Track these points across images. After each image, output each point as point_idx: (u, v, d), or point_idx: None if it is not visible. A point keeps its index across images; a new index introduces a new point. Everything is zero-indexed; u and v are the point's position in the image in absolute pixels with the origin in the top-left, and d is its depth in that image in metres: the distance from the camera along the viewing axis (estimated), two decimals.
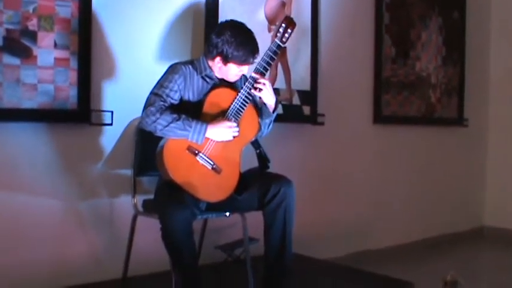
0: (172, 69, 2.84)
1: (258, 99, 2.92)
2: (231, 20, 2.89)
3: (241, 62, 2.81)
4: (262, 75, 2.82)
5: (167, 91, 2.76)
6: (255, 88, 2.82)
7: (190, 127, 2.68)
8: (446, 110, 5.11)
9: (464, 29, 5.24)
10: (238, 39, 2.77)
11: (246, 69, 2.87)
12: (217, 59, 2.81)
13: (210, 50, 2.83)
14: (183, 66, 2.85)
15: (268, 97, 2.88)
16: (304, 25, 3.93)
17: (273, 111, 2.93)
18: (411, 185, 4.85)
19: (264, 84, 2.83)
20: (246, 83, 2.83)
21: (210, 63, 2.87)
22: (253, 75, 2.82)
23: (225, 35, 2.77)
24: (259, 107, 2.94)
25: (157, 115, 2.67)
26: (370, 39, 4.48)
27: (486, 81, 5.54)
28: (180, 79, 2.81)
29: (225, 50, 2.77)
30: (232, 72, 2.85)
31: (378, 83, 4.51)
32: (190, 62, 2.91)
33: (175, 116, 2.68)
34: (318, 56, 4.04)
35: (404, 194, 4.79)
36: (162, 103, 2.72)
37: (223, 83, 2.90)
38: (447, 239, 5.10)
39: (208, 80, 2.88)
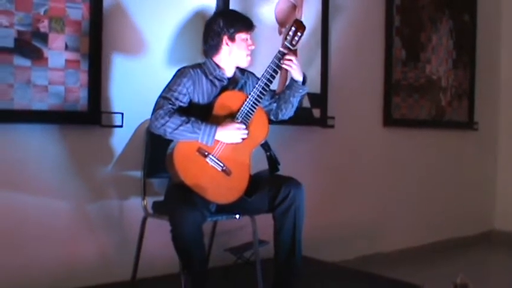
0: (180, 73, 2.85)
1: (272, 90, 2.99)
2: (210, 17, 3.00)
3: (246, 28, 2.89)
4: (272, 78, 2.83)
5: (176, 94, 2.77)
6: (282, 64, 2.87)
7: (200, 129, 2.68)
8: (457, 113, 5.09)
9: (475, 32, 5.22)
10: (230, 16, 2.94)
11: (253, 44, 2.91)
12: (224, 40, 2.86)
13: (213, 44, 2.88)
14: (191, 70, 2.86)
15: (297, 72, 2.93)
16: (314, 28, 3.93)
17: (303, 83, 2.98)
18: (421, 188, 4.83)
19: (291, 60, 2.88)
20: (273, 58, 2.86)
21: (217, 59, 2.89)
22: (282, 49, 2.87)
23: (216, 23, 2.87)
24: (288, 85, 3.00)
25: (166, 118, 2.67)
26: (381, 42, 4.47)
27: (497, 84, 5.51)
28: (189, 82, 2.82)
29: (225, 29, 2.85)
30: (243, 46, 2.88)
31: (388, 85, 4.49)
32: (198, 66, 2.92)
33: (184, 118, 2.68)
34: (328, 59, 4.04)
35: (414, 197, 4.77)
36: (171, 106, 2.73)
37: (231, 85, 2.91)
38: (456, 243, 5.07)
39: (217, 82, 2.89)
